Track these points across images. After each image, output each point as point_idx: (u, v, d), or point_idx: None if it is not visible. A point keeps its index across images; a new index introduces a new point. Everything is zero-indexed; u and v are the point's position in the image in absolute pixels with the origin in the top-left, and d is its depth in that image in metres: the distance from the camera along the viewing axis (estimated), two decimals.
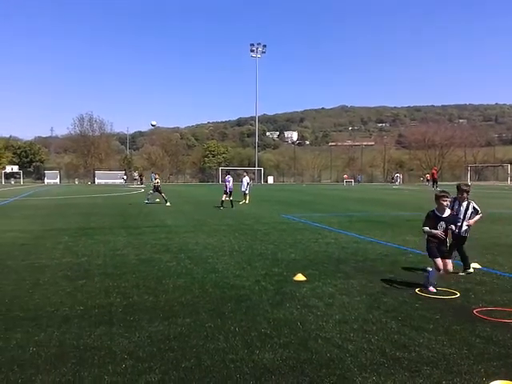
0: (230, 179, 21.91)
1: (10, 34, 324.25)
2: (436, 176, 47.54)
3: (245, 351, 4.25)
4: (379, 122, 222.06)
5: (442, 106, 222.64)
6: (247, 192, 24.06)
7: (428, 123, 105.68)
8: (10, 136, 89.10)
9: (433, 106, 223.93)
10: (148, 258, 8.76)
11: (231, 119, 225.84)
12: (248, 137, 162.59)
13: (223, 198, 21.31)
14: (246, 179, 24.43)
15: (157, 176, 25.34)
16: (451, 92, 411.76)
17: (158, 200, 24.09)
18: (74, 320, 5.12)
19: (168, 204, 22.43)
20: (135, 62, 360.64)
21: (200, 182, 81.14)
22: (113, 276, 7.27)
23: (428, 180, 57.87)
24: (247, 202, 23.62)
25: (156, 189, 23.88)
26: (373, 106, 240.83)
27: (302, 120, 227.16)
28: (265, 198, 29.79)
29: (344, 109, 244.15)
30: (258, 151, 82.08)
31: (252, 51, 76.20)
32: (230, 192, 21.49)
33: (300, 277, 7.04)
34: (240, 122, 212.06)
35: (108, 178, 72.37)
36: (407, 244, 10.53)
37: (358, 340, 4.55)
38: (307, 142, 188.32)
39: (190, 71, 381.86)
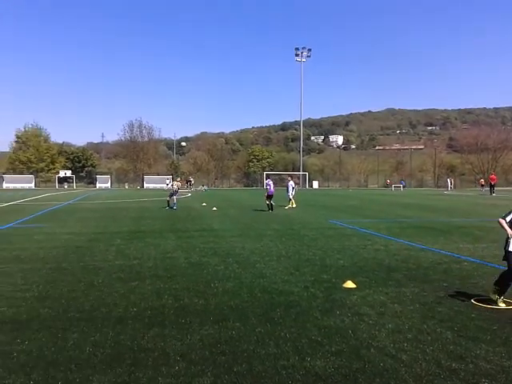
0: (271, 183, 22.13)
1: (64, 45, 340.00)
2: (494, 181, 45.14)
3: (296, 358, 4.23)
4: (429, 125, 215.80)
5: (495, 108, 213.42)
6: (292, 197, 23.99)
7: (480, 126, 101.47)
8: (64, 142, 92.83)
9: (485, 108, 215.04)
10: (197, 262, 8.90)
11: (275, 124, 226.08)
12: (292, 141, 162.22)
13: (267, 202, 21.48)
14: (291, 183, 24.38)
15: (178, 180, 26.07)
16: (504, 94, 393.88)
17: (204, 204, 24.38)
18: (127, 321, 5.26)
19: (167, 208, 22.83)
20: (182, 69, 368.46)
21: (244, 186, 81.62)
22: (164, 278, 7.42)
23: (482, 186, 55.46)
24: (294, 206, 23.56)
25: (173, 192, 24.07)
26: (422, 108, 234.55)
27: (347, 124, 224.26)
28: (310, 202, 29.58)
29: (391, 112, 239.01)
30: (303, 156, 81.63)
31: (297, 55, 75.97)
32: (271, 195, 21.67)
33: (350, 284, 6.93)
34: (284, 127, 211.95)
35: (156, 183, 74.10)
36: (461, 252, 10.14)
37: (412, 350, 4.43)
38: (353, 146, 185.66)
39: (234, 76, 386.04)
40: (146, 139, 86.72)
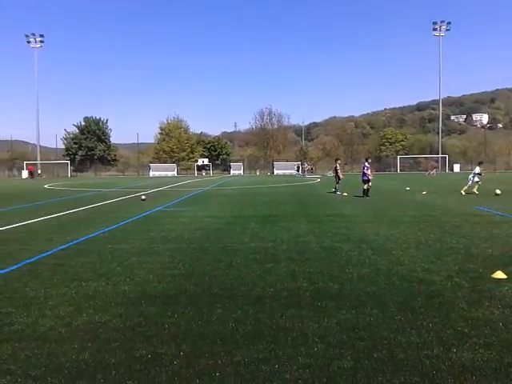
0: (368, 166, 21.47)
1: (201, 44, 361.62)
2: None
3: (440, 348, 3.99)
4: None
5: None
6: (475, 182, 22.47)
7: None
8: (201, 132, 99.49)
9: None
10: (329, 246, 8.86)
11: (410, 104, 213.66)
12: (429, 122, 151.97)
13: (364, 187, 20.94)
14: (477, 169, 22.92)
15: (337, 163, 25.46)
16: None
17: (345, 194, 23.53)
18: (265, 300, 5.45)
19: (338, 193, 23.28)
20: (310, 54, 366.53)
21: (376, 171, 78.83)
22: (297, 261, 7.54)
23: None
24: (476, 192, 22.09)
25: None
26: None
27: (493, 101, 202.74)
28: (451, 187, 27.53)
29: None
30: (442, 137, 76.12)
31: (435, 30, 70.77)
32: (368, 180, 21.01)
33: (499, 274, 6.30)
34: (420, 107, 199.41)
35: (285, 169, 75.58)
36: None
37: None
38: (500, 125, 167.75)
39: (364, 55, 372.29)
40: (276, 126, 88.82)
